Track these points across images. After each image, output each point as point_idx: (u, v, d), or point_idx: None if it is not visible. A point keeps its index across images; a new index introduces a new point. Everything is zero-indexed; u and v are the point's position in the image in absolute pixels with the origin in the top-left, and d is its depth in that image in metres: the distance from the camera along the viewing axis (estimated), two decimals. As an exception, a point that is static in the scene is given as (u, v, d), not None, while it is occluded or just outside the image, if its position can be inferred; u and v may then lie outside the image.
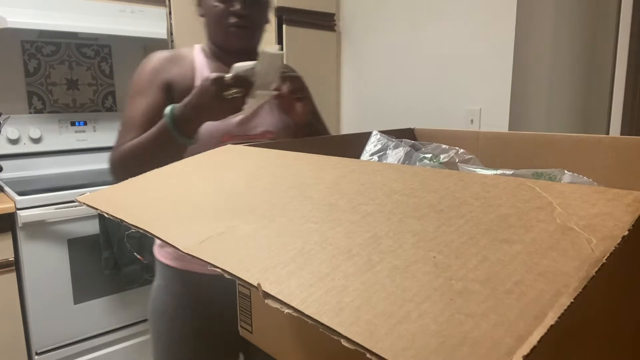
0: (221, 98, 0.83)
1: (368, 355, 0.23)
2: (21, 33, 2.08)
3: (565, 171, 0.68)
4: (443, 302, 0.25)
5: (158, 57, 1.03)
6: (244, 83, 0.85)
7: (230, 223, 0.41)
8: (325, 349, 0.58)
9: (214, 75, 0.84)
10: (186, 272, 1.04)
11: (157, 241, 0.99)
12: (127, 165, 0.90)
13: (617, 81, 1.92)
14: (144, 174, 0.65)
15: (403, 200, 0.39)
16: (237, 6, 0.97)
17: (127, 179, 0.71)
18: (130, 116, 0.96)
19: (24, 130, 2.11)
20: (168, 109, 0.87)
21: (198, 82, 0.97)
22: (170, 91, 0.97)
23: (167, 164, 0.78)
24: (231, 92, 0.83)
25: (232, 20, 0.98)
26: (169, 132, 0.86)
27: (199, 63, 1.03)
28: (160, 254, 1.10)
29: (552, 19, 1.90)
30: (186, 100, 0.86)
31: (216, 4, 0.98)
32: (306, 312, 0.26)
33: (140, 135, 0.91)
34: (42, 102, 2.20)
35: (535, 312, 0.23)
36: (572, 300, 0.24)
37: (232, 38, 1.00)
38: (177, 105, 0.87)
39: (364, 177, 0.46)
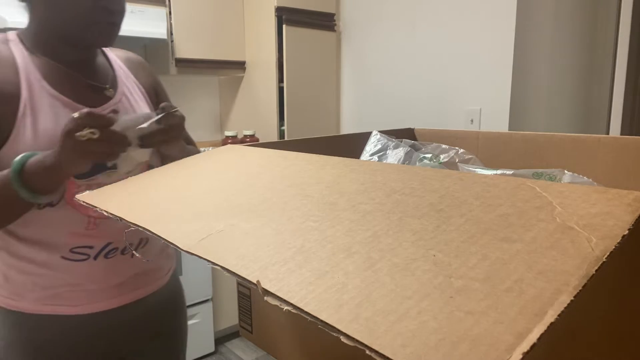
0: (77, 141, 0.66)
1: (367, 351, 0.23)
2: (21, 33, 2.08)
3: (565, 171, 0.68)
4: (443, 300, 0.25)
5: None
6: (100, 122, 0.67)
7: (230, 221, 0.41)
8: (325, 349, 0.58)
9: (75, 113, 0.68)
10: (50, 317, 0.81)
11: None
12: None
13: (617, 81, 1.92)
14: (142, 174, 0.65)
15: (403, 199, 0.39)
16: (108, 2, 0.77)
17: None
18: None
19: (24, 130, 2.11)
20: (14, 167, 0.67)
21: (24, 86, 0.76)
22: None
23: (6, 220, 0.72)
24: (84, 132, 0.65)
25: (103, 18, 0.77)
26: (15, 192, 0.68)
27: (21, 61, 0.78)
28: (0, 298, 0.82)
29: (552, 19, 1.90)
30: (46, 156, 0.68)
31: None
32: (305, 309, 0.26)
33: None
34: (42, 102, 2.20)
35: (535, 310, 0.23)
36: (572, 299, 0.24)
37: (97, 37, 0.79)
38: (31, 161, 0.68)
39: (364, 177, 0.46)
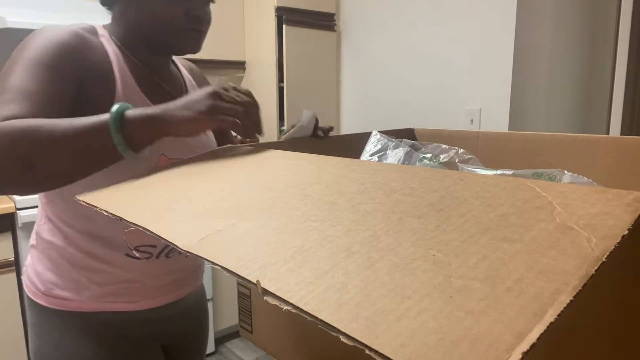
0: (218, 100, 0.65)
1: (367, 351, 0.23)
2: (21, 33, 2.08)
3: (565, 171, 0.68)
4: (442, 300, 0.25)
5: (75, 35, 0.73)
6: (248, 93, 0.69)
7: (229, 221, 0.41)
8: (325, 349, 0.58)
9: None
10: (105, 313, 0.81)
11: (33, 279, 0.82)
12: (27, 146, 0.59)
13: (617, 81, 1.92)
14: (142, 174, 0.64)
15: (403, 199, 0.39)
16: (200, 11, 0.79)
17: (11, 164, 0.56)
18: (24, 86, 0.66)
19: (24, 130, 2.11)
20: (116, 109, 0.63)
21: (119, 81, 0.76)
22: (82, 91, 0.72)
23: (85, 170, 0.63)
24: (231, 92, 0.67)
25: (193, 26, 0.79)
26: (108, 137, 0.62)
27: (114, 57, 0.78)
28: (48, 299, 0.80)
29: (552, 19, 1.90)
30: (147, 108, 0.66)
31: (171, 1, 0.76)
32: (305, 309, 0.26)
33: (38, 112, 0.64)
34: (42, 102, 2.20)
35: (535, 310, 0.23)
36: (571, 298, 0.24)
37: (186, 44, 0.81)
38: (135, 109, 0.64)
39: (364, 177, 0.46)
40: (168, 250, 0.83)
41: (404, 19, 2.18)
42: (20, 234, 1.69)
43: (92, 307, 0.80)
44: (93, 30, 0.79)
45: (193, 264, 0.92)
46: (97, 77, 0.74)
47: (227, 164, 0.61)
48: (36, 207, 1.69)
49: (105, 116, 0.62)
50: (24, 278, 0.86)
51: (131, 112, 0.64)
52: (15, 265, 1.71)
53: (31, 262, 0.84)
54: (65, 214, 0.78)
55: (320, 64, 2.45)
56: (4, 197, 1.78)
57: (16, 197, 1.69)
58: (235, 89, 0.69)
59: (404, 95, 2.23)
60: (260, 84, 2.43)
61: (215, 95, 0.65)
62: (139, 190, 0.56)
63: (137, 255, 0.81)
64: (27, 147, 0.58)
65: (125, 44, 0.81)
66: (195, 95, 0.66)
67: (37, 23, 1.82)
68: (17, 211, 1.67)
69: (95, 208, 0.51)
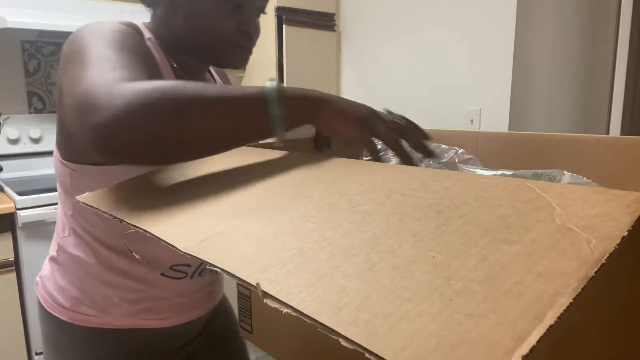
0: (376, 118, 0.61)
1: (367, 354, 0.23)
2: (21, 33, 2.08)
3: (565, 172, 0.68)
4: (442, 302, 0.25)
5: (133, 35, 0.70)
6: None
7: (229, 223, 0.41)
8: (325, 350, 0.58)
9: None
10: (136, 330, 0.79)
11: (55, 294, 0.79)
12: (181, 97, 0.51)
13: (617, 81, 1.92)
14: (143, 174, 0.64)
15: (402, 200, 0.39)
16: (251, 27, 0.77)
17: (162, 115, 0.49)
18: (115, 56, 0.59)
19: (24, 130, 2.11)
20: (274, 82, 0.57)
21: None
22: None
23: (236, 139, 0.58)
24: (393, 115, 0.64)
25: (242, 42, 0.76)
26: (264, 109, 0.56)
27: (165, 71, 0.75)
28: (73, 315, 0.77)
29: (551, 19, 1.90)
30: (311, 91, 0.61)
31: (222, 14, 0.73)
32: (305, 312, 0.26)
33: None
34: (42, 102, 2.20)
35: (535, 312, 0.23)
36: (571, 301, 0.24)
37: (234, 60, 0.78)
38: (288, 87, 0.59)
39: (364, 177, 0.46)
40: (202, 268, 0.82)
41: (404, 19, 2.18)
42: (20, 234, 1.69)
43: (120, 323, 0.78)
44: (138, 31, 0.75)
45: (220, 277, 0.91)
46: None
47: (226, 164, 0.61)
48: (37, 207, 1.69)
49: (257, 88, 0.57)
50: (38, 290, 0.83)
51: (288, 88, 0.58)
52: (15, 265, 1.71)
53: (51, 276, 0.81)
54: (100, 231, 0.75)
55: (320, 64, 2.45)
56: (4, 197, 1.78)
57: (16, 197, 1.69)
58: (390, 113, 0.64)
59: (403, 95, 2.23)
60: (260, 84, 2.43)
61: (374, 112, 0.61)
62: (139, 192, 0.55)
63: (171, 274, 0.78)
64: (180, 98, 0.50)
65: (164, 45, 0.77)
66: (349, 101, 0.61)
67: (37, 23, 1.82)
68: (17, 211, 1.66)
69: (96, 209, 0.51)
